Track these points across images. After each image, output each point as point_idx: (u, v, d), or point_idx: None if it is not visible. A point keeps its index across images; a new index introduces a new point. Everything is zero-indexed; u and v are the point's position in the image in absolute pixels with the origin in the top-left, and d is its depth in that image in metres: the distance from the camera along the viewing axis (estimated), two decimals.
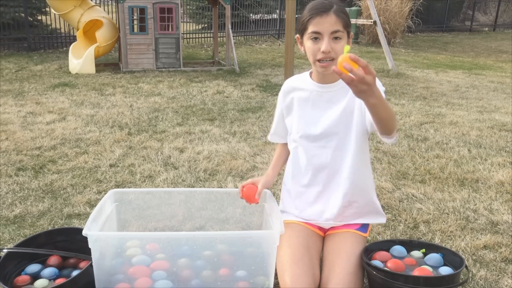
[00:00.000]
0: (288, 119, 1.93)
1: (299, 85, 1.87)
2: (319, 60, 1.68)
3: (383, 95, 1.58)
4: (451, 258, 1.80)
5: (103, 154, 3.58)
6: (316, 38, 1.66)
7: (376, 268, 1.70)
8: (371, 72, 1.30)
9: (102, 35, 7.51)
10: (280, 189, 2.10)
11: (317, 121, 1.81)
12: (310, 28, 1.66)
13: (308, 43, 1.70)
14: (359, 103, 1.72)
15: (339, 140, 1.79)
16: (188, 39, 11.84)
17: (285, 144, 2.03)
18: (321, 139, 1.81)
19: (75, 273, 1.76)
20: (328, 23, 1.63)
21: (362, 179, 1.85)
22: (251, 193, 1.90)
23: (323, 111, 1.80)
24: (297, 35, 1.76)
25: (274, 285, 1.70)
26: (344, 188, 1.83)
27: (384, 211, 2.68)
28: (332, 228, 1.92)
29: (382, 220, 1.97)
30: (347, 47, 1.34)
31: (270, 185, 1.99)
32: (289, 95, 1.90)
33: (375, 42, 11.90)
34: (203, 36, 12.17)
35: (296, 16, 7.89)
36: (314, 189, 1.88)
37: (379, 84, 1.65)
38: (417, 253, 1.86)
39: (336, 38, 1.65)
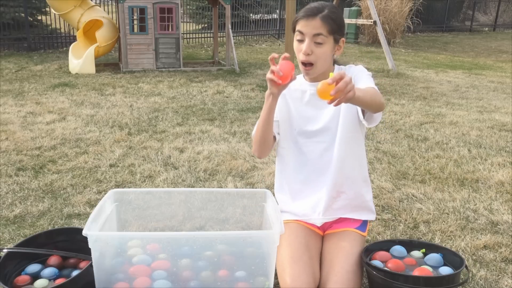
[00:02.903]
0: (281, 118, 1.91)
1: (294, 85, 1.89)
2: (301, 62, 1.74)
3: (371, 80, 1.72)
4: (451, 258, 1.80)
5: (103, 154, 3.58)
6: (300, 40, 1.72)
7: (376, 268, 1.70)
8: (345, 80, 1.37)
9: (102, 35, 7.51)
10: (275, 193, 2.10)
11: (314, 119, 1.85)
12: (298, 27, 1.72)
13: (294, 43, 1.76)
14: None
15: (331, 134, 1.83)
16: (188, 39, 11.84)
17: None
18: (317, 135, 1.85)
19: (75, 273, 1.76)
20: (311, 26, 1.68)
21: (350, 169, 1.86)
22: (288, 68, 1.65)
23: (320, 109, 1.83)
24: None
25: (274, 285, 1.70)
26: (332, 177, 1.85)
27: (384, 211, 2.69)
28: (330, 227, 1.93)
29: (371, 217, 1.97)
30: (331, 74, 1.39)
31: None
32: (286, 95, 1.92)
33: (375, 42, 11.90)
34: (203, 36, 12.17)
35: None
36: (309, 184, 1.90)
37: (361, 69, 1.78)
38: (417, 253, 1.86)
39: (318, 43, 1.69)
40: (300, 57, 1.73)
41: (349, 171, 1.86)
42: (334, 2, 9.49)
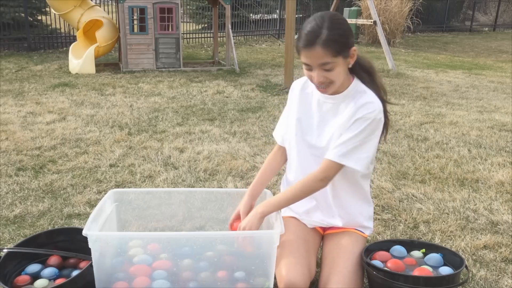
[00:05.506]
0: (291, 119, 1.87)
1: (307, 88, 1.84)
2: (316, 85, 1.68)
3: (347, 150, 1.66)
4: (451, 258, 1.80)
5: (103, 154, 3.58)
6: (308, 69, 1.65)
7: (376, 268, 1.70)
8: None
9: (102, 35, 7.51)
10: (280, 190, 2.10)
11: (313, 130, 1.80)
12: (302, 58, 1.64)
13: (303, 68, 1.68)
14: (346, 128, 1.70)
15: (324, 154, 1.75)
16: (188, 39, 11.84)
17: (281, 150, 1.97)
18: (315, 148, 1.80)
19: (75, 273, 1.76)
20: (314, 57, 1.58)
21: (346, 196, 1.84)
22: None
23: (320, 121, 1.79)
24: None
25: (274, 285, 1.70)
26: (327, 200, 1.84)
27: (384, 211, 2.69)
28: (331, 228, 1.93)
29: (366, 232, 1.94)
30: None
31: (245, 207, 1.85)
32: (297, 95, 1.86)
33: (375, 42, 11.90)
34: (203, 36, 12.16)
35: (296, 16, 7.88)
36: None
37: (365, 121, 1.65)
38: (417, 253, 1.86)
39: (327, 69, 1.60)
40: (314, 82, 1.66)
41: (346, 198, 1.84)
42: (333, 4, 9.49)
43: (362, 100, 1.69)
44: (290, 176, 1.92)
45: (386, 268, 1.72)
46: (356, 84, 1.73)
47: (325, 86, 1.66)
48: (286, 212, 1.96)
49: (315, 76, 1.63)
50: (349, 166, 1.66)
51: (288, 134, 1.90)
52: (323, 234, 1.95)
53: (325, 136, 1.77)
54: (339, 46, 1.58)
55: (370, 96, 1.70)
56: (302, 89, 1.86)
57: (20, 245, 1.85)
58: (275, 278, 1.71)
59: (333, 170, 1.68)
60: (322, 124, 1.79)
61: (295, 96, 1.87)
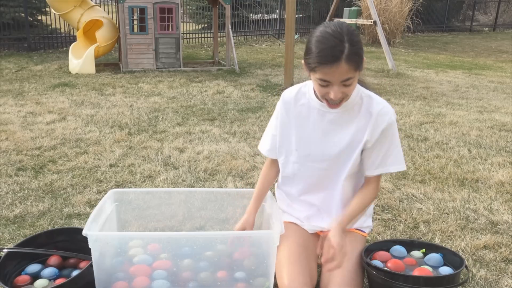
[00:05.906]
0: (285, 133, 1.81)
1: (301, 99, 1.77)
2: (327, 100, 1.62)
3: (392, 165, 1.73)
4: (451, 258, 1.80)
5: (103, 154, 3.58)
6: (325, 86, 1.56)
7: (376, 268, 1.70)
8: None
9: (102, 35, 7.51)
10: (275, 192, 2.09)
11: (317, 142, 1.75)
12: (319, 75, 1.53)
13: (315, 84, 1.59)
14: (363, 144, 1.70)
15: (334, 164, 1.75)
16: (188, 39, 11.84)
17: (274, 164, 1.93)
18: (319, 161, 1.76)
19: (75, 273, 1.76)
20: (339, 73, 1.49)
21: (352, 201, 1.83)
22: None
23: (325, 132, 1.73)
24: (303, 61, 1.61)
25: (274, 285, 1.70)
26: (330, 208, 1.83)
27: (384, 211, 2.69)
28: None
29: (365, 230, 1.95)
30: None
31: (251, 225, 1.85)
32: (290, 108, 1.78)
33: (375, 42, 11.90)
34: (203, 36, 12.17)
35: (296, 16, 7.85)
36: (306, 199, 1.86)
37: (393, 128, 1.75)
38: (417, 253, 1.86)
39: (347, 85, 1.54)
40: (328, 98, 1.59)
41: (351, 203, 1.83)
42: (333, 4, 9.48)
43: (375, 107, 1.68)
44: (291, 189, 1.88)
45: (386, 268, 1.72)
46: (358, 88, 1.69)
47: (339, 101, 1.61)
48: (286, 217, 1.93)
49: (334, 92, 1.54)
50: (395, 171, 1.74)
51: (285, 149, 1.83)
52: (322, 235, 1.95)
53: (337, 146, 1.72)
54: (360, 58, 1.53)
55: (378, 100, 1.71)
56: (296, 100, 1.77)
57: (20, 245, 1.85)
58: (275, 278, 1.71)
59: (380, 181, 1.80)
60: (329, 134, 1.73)
61: (290, 110, 1.78)
